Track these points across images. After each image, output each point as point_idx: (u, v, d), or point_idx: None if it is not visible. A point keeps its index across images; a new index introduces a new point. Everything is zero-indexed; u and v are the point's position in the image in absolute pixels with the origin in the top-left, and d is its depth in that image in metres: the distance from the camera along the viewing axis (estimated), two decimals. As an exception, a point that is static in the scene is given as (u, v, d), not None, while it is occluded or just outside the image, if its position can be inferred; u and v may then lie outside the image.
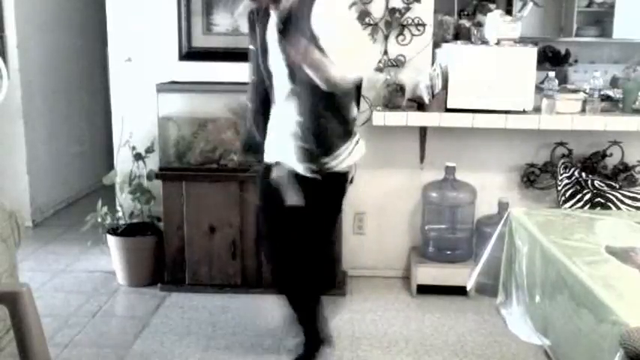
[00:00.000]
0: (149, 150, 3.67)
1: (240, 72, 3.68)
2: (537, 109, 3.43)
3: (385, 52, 3.61)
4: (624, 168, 3.61)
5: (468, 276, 3.36)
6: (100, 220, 3.65)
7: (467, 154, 3.70)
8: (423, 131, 3.67)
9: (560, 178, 3.48)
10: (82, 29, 5.48)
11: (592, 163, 3.60)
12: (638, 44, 5.89)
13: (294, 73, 2.36)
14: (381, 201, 3.80)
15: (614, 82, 3.99)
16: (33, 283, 2.12)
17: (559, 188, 3.47)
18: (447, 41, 3.62)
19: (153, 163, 3.67)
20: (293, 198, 2.45)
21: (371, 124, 3.53)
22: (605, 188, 3.37)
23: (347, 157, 2.51)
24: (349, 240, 3.79)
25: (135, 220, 3.74)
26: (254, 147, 2.65)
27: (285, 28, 2.34)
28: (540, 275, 2.49)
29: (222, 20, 3.71)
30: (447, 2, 3.97)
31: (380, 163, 3.73)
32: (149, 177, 3.66)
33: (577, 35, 6.12)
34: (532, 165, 3.70)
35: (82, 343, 3.02)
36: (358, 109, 3.50)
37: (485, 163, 3.73)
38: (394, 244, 3.84)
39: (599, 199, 3.32)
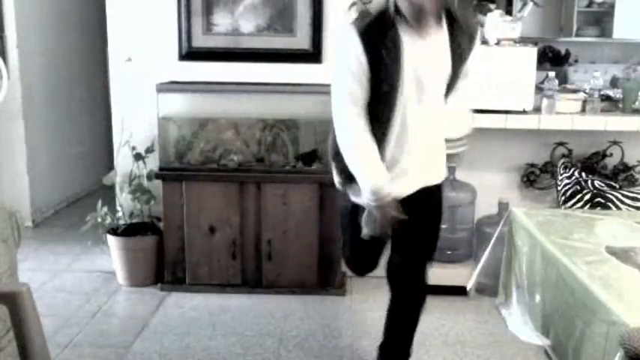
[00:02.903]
0: (149, 150, 3.67)
1: (239, 72, 3.71)
2: (537, 109, 3.43)
3: (385, 52, 3.60)
4: (624, 168, 3.61)
5: (468, 276, 3.36)
6: (100, 220, 3.65)
7: (467, 154, 3.69)
8: (423, 131, 3.66)
9: (560, 178, 3.48)
10: (82, 29, 5.48)
11: (592, 163, 3.60)
12: (638, 44, 5.91)
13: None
14: (381, 201, 3.79)
15: (614, 82, 4.01)
16: (33, 283, 2.11)
17: (559, 188, 3.47)
18: (446, 41, 3.61)
19: (153, 163, 3.67)
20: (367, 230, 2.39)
21: (371, 124, 3.53)
22: (605, 188, 3.37)
23: None
24: (349, 240, 3.78)
25: (135, 220, 3.73)
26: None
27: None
28: (540, 275, 2.49)
29: (222, 20, 3.71)
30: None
31: (380, 163, 3.72)
32: (149, 177, 3.66)
33: (577, 35, 6.13)
34: (532, 165, 3.70)
35: (82, 343, 3.02)
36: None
37: (486, 163, 3.72)
38: (394, 244, 3.82)
39: (599, 199, 3.32)
